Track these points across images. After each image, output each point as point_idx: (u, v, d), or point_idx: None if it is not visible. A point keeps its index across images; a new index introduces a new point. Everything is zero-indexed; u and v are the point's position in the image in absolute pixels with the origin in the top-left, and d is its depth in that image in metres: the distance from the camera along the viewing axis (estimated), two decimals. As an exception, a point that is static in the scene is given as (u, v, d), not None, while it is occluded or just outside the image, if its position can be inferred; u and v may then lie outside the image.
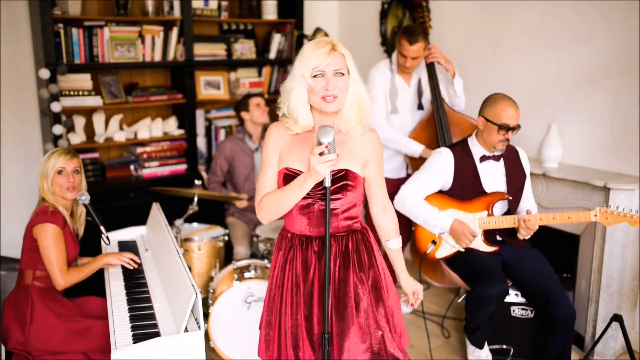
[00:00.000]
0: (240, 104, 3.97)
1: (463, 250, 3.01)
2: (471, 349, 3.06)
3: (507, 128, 2.82)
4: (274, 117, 4.60)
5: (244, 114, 3.93)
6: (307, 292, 2.00)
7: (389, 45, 4.55)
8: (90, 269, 2.64)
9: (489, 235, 3.03)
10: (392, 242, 2.13)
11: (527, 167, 3.05)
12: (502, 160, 2.99)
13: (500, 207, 3.02)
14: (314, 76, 1.87)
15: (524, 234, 2.88)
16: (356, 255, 2.03)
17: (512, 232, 3.01)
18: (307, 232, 2.01)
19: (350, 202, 2.00)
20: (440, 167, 3.00)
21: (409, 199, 3.02)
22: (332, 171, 1.94)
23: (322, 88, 1.86)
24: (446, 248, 3.06)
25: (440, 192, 3.08)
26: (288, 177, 1.95)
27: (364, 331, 2.00)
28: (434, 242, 3.04)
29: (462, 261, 3.02)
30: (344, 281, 2.00)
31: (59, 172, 2.60)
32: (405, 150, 3.53)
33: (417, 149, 3.48)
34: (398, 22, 4.45)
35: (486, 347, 3.04)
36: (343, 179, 1.95)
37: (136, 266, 2.75)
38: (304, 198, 1.96)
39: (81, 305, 2.65)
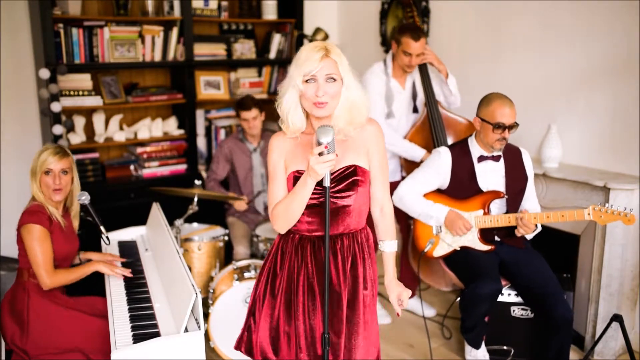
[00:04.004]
0: (235, 109, 3.95)
1: (459, 248, 3.02)
2: (468, 349, 3.06)
3: (502, 127, 2.82)
4: (274, 118, 4.61)
5: (239, 120, 3.92)
6: (323, 293, 1.98)
7: (388, 45, 4.55)
8: (80, 273, 2.59)
9: (486, 235, 3.03)
10: (387, 244, 2.09)
11: (529, 169, 3.04)
12: (502, 160, 2.99)
13: (498, 207, 3.02)
14: (306, 81, 1.88)
15: (522, 232, 2.88)
16: (365, 251, 2.05)
17: (510, 232, 3.01)
18: (319, 232, 2.00)
19: (362, 198, 2.00)
20: (438, 165, 3.02)
21: (407, 195, 3.05)
22: (340, 169, 1.95)
23: (313, 94, 1.87)
24: (443, 247, 3.08)
25: (439, 190, 3.09)
26: (297, 179, 1.94)
27: (369, 327, 2.04)
28: (432, 241, 3.07)
29: (458, 259, 3.04)
30: (355, 277, 2.01)
31: (46, 173, 2.55)
32: (406, 155, 3.52)
33: (419, 153, 3.47)
34: (398, 22, 4.45)
35: (483, 347, 3.05)
36: (352, 175, 1.96)
37: (130, 275, 2.70)
38: (315, 197, 1.94)
39: (81, 304, 2.64)
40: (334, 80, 1.89)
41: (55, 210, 2.59)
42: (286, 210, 1.93)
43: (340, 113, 1.93)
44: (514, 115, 2.83)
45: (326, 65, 1.87)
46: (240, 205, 3.76)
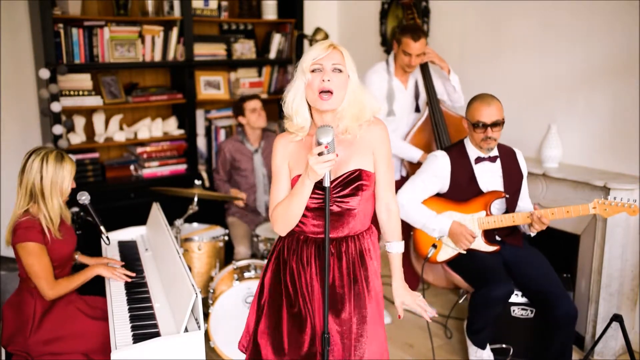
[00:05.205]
0: (235, 109, 3.93)
1: (464, 252, 3.00)
2: (473, 350, 3.05)
3: (483, 125, 2.81)
4: (274, 118, 4.60)
5: (241, 119, 3.90)
6: (324, 294, 1.97)
7: (388, 45, 4.55)
8: (81, 279, 2.57)
9: (489, 235, 3.02)
10: (392, 245, 2.06)
11: (524, 168, 3.04)
12: (498, 161, 2.98)
13: (497, 207, 3.02)
14: (313, 71, 1.88)
15: (537, 229, 2.84)
16: (370, 253, 2.03)
17: (510, 231, 3.01)
18: (324, 235, 1.97)
19: (367, 200, 2.00)
20: (437, 170, 2.99)
21: (408, 204, 3.00)
22: (345, 173, 1.94)
23: (319, 81, 1.86)
24: (447, 251, 3.05)
25: (438, 195, 3.07)
26: None
27: (375, 329, 2.02)
28: (434, 246, 3.02)
29: (465, 263, 3.01)
30: (361, 280, 2.00)
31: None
32: (403, 155, 3.52)
33: (415, 154, 3.47)
34: (398, 22, 4.45)
35: (488, 347, 3.04)
36: (357, 180, 1.95)
37: (129, 280, 2.67)
38: (318, 200, 1.93)
39: (83, 303, 2.63)
40: (340, 71, 1.89)
41: (51, 222, 2.50)
42: (285, 211, 1.91)
43: (349, 110, 1.92)
44: (496, 114, 2.81)
45: (333, 54, 1.88)
46: (239, 202, 3.77)
